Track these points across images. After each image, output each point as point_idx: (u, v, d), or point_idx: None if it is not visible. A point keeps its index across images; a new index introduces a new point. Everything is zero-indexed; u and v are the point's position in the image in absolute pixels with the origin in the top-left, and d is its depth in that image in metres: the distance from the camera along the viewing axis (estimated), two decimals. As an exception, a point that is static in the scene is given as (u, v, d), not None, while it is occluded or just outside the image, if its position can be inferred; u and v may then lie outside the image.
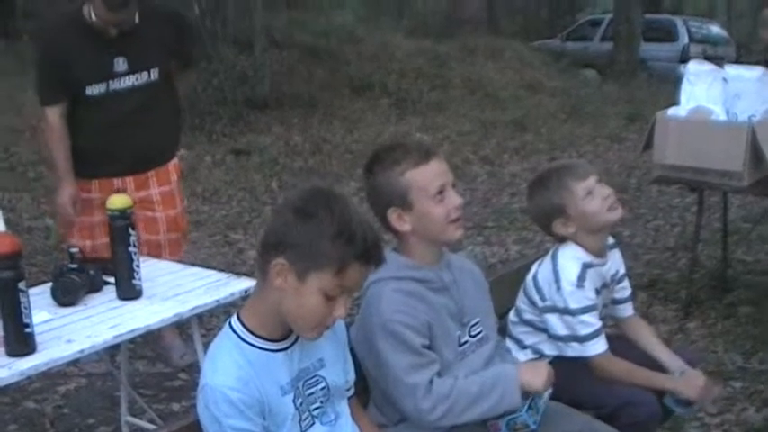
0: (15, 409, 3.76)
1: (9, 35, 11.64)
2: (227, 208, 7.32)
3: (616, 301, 2.81)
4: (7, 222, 2.34)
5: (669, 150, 4.30)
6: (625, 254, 2.89)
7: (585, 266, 2.58)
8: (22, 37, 11.64)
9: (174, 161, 4.04)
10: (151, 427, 3.34)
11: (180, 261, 3.65)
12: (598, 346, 2.56)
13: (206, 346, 2.13)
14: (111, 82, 3.68)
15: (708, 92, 4.25)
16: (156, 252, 3.77)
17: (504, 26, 22.84)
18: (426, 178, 2.16)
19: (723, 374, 3.94)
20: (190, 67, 4.21)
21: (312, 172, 8.55)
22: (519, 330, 2.72)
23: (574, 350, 2.57)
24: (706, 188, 4.47)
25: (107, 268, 2.79)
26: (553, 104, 12.67)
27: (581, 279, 2.55)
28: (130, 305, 2.70)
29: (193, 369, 3.85)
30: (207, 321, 4.42)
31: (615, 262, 2.76)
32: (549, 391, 2.28)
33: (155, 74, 3.77)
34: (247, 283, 2.85)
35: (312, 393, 1.92)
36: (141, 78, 3.74)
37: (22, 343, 2.31)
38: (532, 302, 2.65)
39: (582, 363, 2.57)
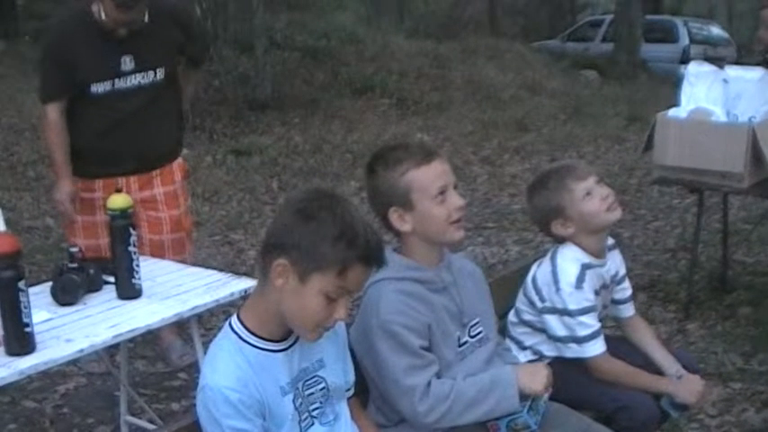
0: (15, 409, 3.76)
1: (10, 36, 11.65)
2: (227, 208, 7.32)
3: (616, 302, 2.81)
4: (7, 222, 2.33)
5: (669, 151, 4.30)
6: (625, 255, 2.90)
7: (584, 267, 2.58)
8: (24, 37, 11.66)
9: (179, 161, 4.04)
10: (151, 426, 3.34)
11: (184, 261, 3.66)
12: (597, 348, 2.56)
13: (206, 345, 2.13)
14: (116, 80, 3.68)
15: (708, 93, 4.25)
16: (159, 252, 3.76)
17: (505, 27, 22.86)
18: (428, 179, 2.15)
19: (723, 376, 3.94)
20: (197, 68, 4.21)
21: (312, 172, 8.55)
22: (518, 331, 2.72)
23: (572, 351, 2.57)
24: (706, 189, 4.47)
25: (107, 268, 2.79)
26: (554, 105, 12.67)
27: (580, 280, 2.55)
28: (130, 305, 2.69)
29: (193, 369, 3.85)
30: (206, 321, 4.42)
31: (615, 263, 2.76)
32: (549, 392, 2.28)
33: (161, 73, 3.77)
34: (247, 283, 2.85)
35: (312, 394, 1.92)
36: (147, 77, 3.74)
37: (22, 342, 2.31)
38: (532, 303, 2.65)
39: (581, 364, 2.57)
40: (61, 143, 3.77)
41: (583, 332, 2.54)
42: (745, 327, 4.49)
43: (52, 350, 2.36)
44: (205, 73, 9.46)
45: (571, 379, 2.46)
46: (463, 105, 12.02)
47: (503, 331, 2.72)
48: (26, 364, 2.27)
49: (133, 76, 3.70)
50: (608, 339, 2.62)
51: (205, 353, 1.98)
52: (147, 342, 4.28)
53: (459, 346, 2.26)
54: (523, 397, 2.20)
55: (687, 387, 2.60)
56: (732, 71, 4.34)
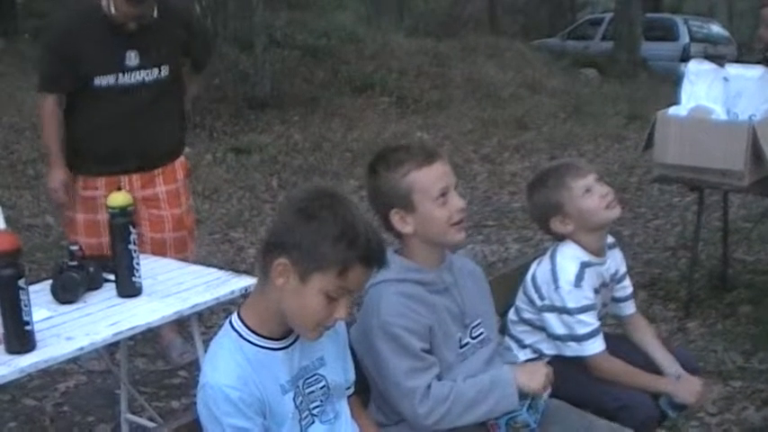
0: (15, 407, 3.76)
1: (9, 34, 11.64)
2: (227, 206, 7.32)
3: (617, 300, 2.81)
4: (7, 220, 2.33)
5: (670, 149, 4.30)
6: (625, 253, 2.90)
7: (584, 266, 2.58)
8: (23, 36, 11.65)
9: (181, 159, 4.04)
10: (151, 424, 3.34)
11: (186, 259, 3.65)
12: (596, 346, 2.56)
13: (206, 343, 2.13)
14: (120, 75, 3.68)
15: (708, 91, 4.25)
16: (161, 251, 3.77)
17: (505, 25, 22.87)
18: (429, 180, 2.15)
19: (723, 374, 3.94)
20: (200, 71, 4.21)
21: (312, 170, 8.55)
22: (518, 329, 2.72)
23: (572, 349, 2.57)
24: (706, 187, 4.47)
25: (107, 266, 2.79)
26: (554, 104, 12.67)
27: (579, 278, 2.55)
28: (130, 303, 2.69)
29: (193, 367, 3.85)
30: (207, 319, 4.42)
31: (615, 261, 2.76)
32: (548, 390, 2.28)
33: (165, 71, 3.77)
34: (247, 281, 2.85)
35: (312, 392, 1.92)
36: (151, 75, 3.74)
37: (22, 340, 2.31)
38: (531, 302, 2.65)
39: (580, 362, 2.57)
40: (56, 132, 3.78)
41: (582, 330, 2.54)
42: (746, 325, 4.49)
43: (52, 348, 2.36)
44: (205, 72, 9.47)
45: (571, 378, 2.46)
46: (463, 104, 12.02)
47: (503, 330, 2.72)
48: (26, 362, 2.27)
49: (137, 72, 3.70)
50: (608, 338, 2.62)
51: (205, 351, 1.98)
52: (147, 340, 4.28)
53: (461, 347, 2.26)
54: (523, 396, 2.20)
55: (686, 387, 2.60)
56: (732, 69, 4.34)
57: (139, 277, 2.75)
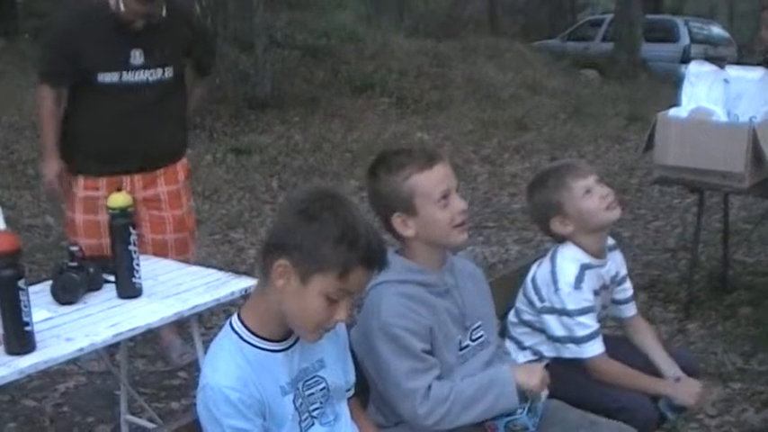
0: (14, 408, 3.75)
1: (10, 33, 11.64)
2: (227, 207, 7.32)
3: (617, 302, 2.81)
4: (7, 220, 2.33)
5: (670, 151, 4.30)
6: (625, 254, 2.89)
7: (584, 268, 2.58)
8: (23, 35, 11.65)
9: (183, 161, 4.05)
10: (150, 425, 3.34)
11: (187, 260, 3.65)
12: (595, 348, 2.56)
13: (206, 344, 2.13)
14: (124, 73, 3.68)
15: (709, 93, 4.25)
16: (162, 252, 3.76)
17: (505, 26, 22.86)
18: (431, 183, 2.15)
19: (723, 376, 3.94)
20: (203, 77, 4.21)
21: (312, 171, 8.55)
22: (518, 331, 2.72)
23: (571, 351, 2.57)
24: (707, 189, 4.47)
25: (107, 266, 2.78)
26: (554, 104, 12.67)
27: (579, 280, 2.55)
28: (130, 304, 2.69)
29: (193, 368, 3.84)
30: (207, 320, 4.42)
31: (616, 263, 2.76)
32: (546, 393, 2.29)
33: (169, 72, 3.77)
34: (247, 283, 2.84)
35: (312, 394, 1.92)
36: (155, 74, 3.74)
37: (22, 341, 2.31)
38: (531, 303, 2.65)
39: (579, 364, 2.57)
40: (52, 124, 3.79)
41: (581, 332, 2.54)
42: (746, 327, 4.49)
43: (52, 349, 2.35)
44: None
45: (570, 379, 2.46)
46: (463, 104, 12.02)
47: (502, 332, 2.72)
48: (26, 363, 2.27)
49: (141, 72, 3.70)
50: (607, 339, 2.62)
51: (205, 352, 1.98)
52: (147, 341, 4.28)
53: (461, 349, 2.26)
54: (522, 397, 2.20)
55: (685, 389, 2.60)
56: (733, 71, 4.34)
57: (139, 278, 2.75)
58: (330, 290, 1.77)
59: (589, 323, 2.54)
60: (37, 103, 3.84)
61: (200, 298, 2.76)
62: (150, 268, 2.96)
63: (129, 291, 2.73)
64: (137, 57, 3.68)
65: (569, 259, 2.59)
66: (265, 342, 1.85)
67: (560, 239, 2.65)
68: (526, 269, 2.76)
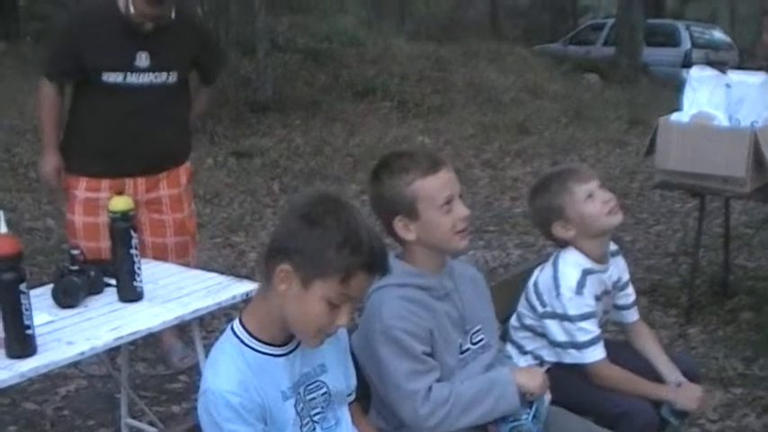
0: (15, 411, 3.75)
1: (11, 36, 11.66)
2: (228, 210, 7.32)
3: (619, 307, 2.81)
4: (8, 223, 2.33)
5: (671, 155, 4.30)
6: (626, 259, 2.89)
7: (585, 273, 2.58)
8: (25, 38, 11.67)
9: (186, 164, 4.05)
10: (151, 429, 3.34)
11: (187, 264, 3.65)
12: (596, 354, 2.56)
13: (206, 348, 2.12)
14: (129, 74, 3.68)
15: (710, 97, 4.25)
16: (162, 255, 3.76)
17: (507, 30, 22.90)
18: (434, 188, 2.15)
19: (724, 381, 3.93)
20: (209, 84, 4.22)
21: (313, 175, 8.55)
22: (520, 335, 2.72)
23: (572, 357, 2.57)
24: (708, 194, 4.47)
25: (108, 270, 2.78)
26: (555, 108, 12.67)
27: (580, 286, 2.55)
28: (131, 307, 2.69)
29: (194, 371, 3.84)
30: (207, 324, 4.41)
31: (618, 269, 2.76)
32: (549, 398, 2.28)
33: (173, 76, 3.78)
34: (248, 287, 2.84)
35: (313, 399, 1.92)
36: (159, 78, 3.74)
37: (23, 344, 2.30)
38: (533, 308, 2.65)
39: (580, 369, 2.57)
40: (52, 118, 3.81)
41: (582, 338, 2.54)
42: (747, 332, 4.49)
43: (53, 352, 2.35)
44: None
45: (571, 385, 2.46)
46: (464, 108, 12.03)
47: (503, 336, 2.72)
48: (27, 366, 2.27)
49: (145, 74, 3.71)
50: (608, 344, 2.62)
51: (206, 356, 1.97)
52: (147, 344, 4.28)
53: (461, 352, 2.26)
54: (523, 400, 2.20)
55: (686, 394, 2.59)
56: (735, 76, 4.34)
57: (141, 282, 2.74)
58: (332, 295, 1.77)
59: (590, 328, 2.54)
60: (39, 98, 3.85)
61: (201, 302, 2.76)
62: (151, 272, 2.96)
63: (131, 294, 2.72)
64: (142, 59, 3.68)
65: (571, 264, 2.59)
66: (267, 346, 1.85)
67: (562, 244, 2.65)
68: (527, 274, 2.76)
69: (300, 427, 1.88)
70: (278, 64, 11.48)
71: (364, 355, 2.17)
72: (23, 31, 12.04)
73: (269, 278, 1.80)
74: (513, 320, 2.75)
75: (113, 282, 2.75)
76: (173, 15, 3.69)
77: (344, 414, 2.01)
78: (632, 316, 2.83)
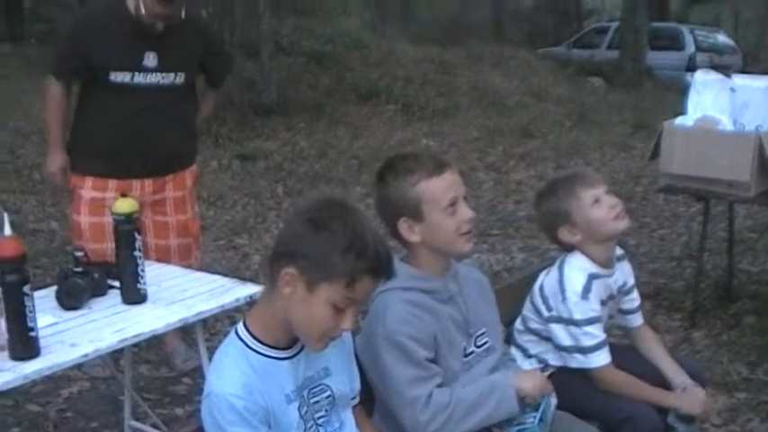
0: (18, 412, 3.75)
1: (16, 38, 11.68)
2: (232, 213, 7.32)
3: (624, 312, 2.81)
4: (12, 224, 2.32)
5: (676, 159, 4.29)
6: (630, 263, 2.88)
7: (591, 277, 2.57)
8: (30, 40, 11.69)
9: (192, 167, 4.06)
10: (154, 431, 3.33)
11: (190, 266, 3.65)
12: (601, 358, 2.55)
13: (210, 350, 2.12)
14: (136, 74, 3.69)
15: (715, 101, 4.25)
16: (165, 257, 3.77)
17: (511, 33, 22.90)
18: (439, 190, 2.14)
19: (728, 385, 3.92)
20: (215, 88, 4.23)
21: (318, 177, 8.56)
22: (524, 339, 2.71)
23: (577, 361, 2.56)
24: (712, 198, 4.46)
25: (112, 272, 2.78)
26: (559, 112, 12.66)
27: (586, 290, 2.55)
28: (135, 309, 2.68)
29: (197, 374, 3.84)
30: (211, 326, 4.41)
31: (623, 273, 2.75)
32: (555, 402, 2.28)
33: (180, 78, 3.78)
34: (252, 289, 2.84)
35: (317, 402, 1.91)
36: (167, 78, 3.75)
37: (27, 346, 2.30)
38: (538, 312, 2.64)
39: (585, 374, 2.56)
40: (58, 116, 3.82)
41: (588, 342, 2.53)
42: (751, 336, 4.48)
43: (57, 354, 2.35)
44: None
45: (576, 389, 2.46)
46: (468, 111, 12.03)
47: (508, 339, 2.71)
48: (31, 368, 2.27)
49: (153, 74, 3.71)
50: (613, 348, 2.61)
51: (209, 358, 1.97)
52: (151, 346, 4.27)
53: (465, 356, 2.25)
54: (529, 405, 2.20)
55: (690, 399, 2.59)
56: (739, 80, 4.35)
57: (144, 284, 2.74)
58: (337, 298, 1.76)
59: (596, 333, 2.54)
60: (45, 97, 3.86)
61: (204, 304, 2.75)
62: (155, 274, 2.96)
63: (134, 297, 2.72)
64: (150, 59, 3.69)
65: (577, 269, 2.59)
66: (271, 350, 1.85)
67: (568, 248, 2.65)
68: (532, 277, 2.76)
69: (304, 431, 1.88)
70: (282, 67, 11.50)
71: (367, 358, 2.16)
72: (28, 33, 12.06)
73: (274, 281, 1.80)
74: (518, 324, 2.74)
75: (117, 284, 2.75)
76: (182, 15, 3.69)
77: (348, 417, 2.00)
78: (637, 320, 2.83)
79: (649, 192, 7.85)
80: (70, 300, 2.65)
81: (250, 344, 1.84)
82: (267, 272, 1.84)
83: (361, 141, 9.95)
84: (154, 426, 3.38)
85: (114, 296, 2.74)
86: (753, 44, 21.73)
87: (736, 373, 4.05)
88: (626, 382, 2.57)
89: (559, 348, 2.59)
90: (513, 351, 2.70)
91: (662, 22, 20.16)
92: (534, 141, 10.79)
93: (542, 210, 2.70)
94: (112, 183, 3.76)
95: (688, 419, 2.60)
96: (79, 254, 2.80)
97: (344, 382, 1.99)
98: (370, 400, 2.21)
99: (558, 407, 2.33)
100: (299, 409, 1.87)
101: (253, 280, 3.35)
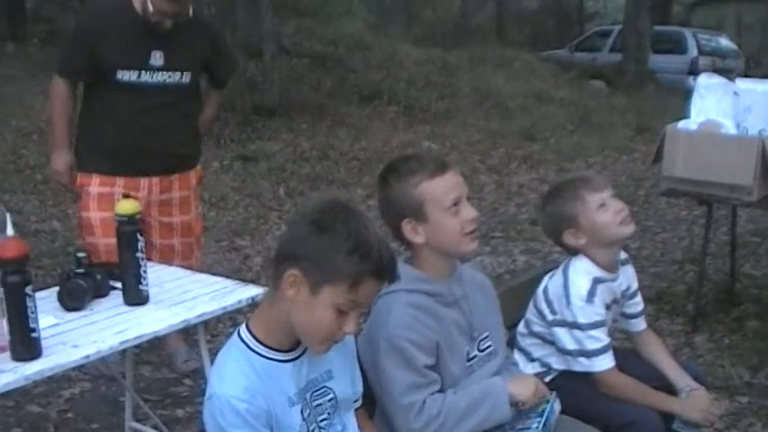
0: (19, 413, 3.75)
1: (18, 38, 11.69)
2: (233, 214, 7.32)
3: (628, 316, 2.80)
4: (14, 225, 2.32)
5: (679, 163, 4.28)
6: (633, 266, 2.88)
7: (596, 281, 2.57)
8: (32, 40, 11.70)
9: (197, 167, 4.06)
10: (155, 433, 3.33)
11: (190, 265, 3.64)
12: (605, 362, 2.55)
13: (211, 351, 2.12)
14: (143, 72, 3.69)
15: (718, 105, 4.24)
16: (169, 256, 3.79)
17: (513, 36, 22.91)
18: (442, 190, 2.14)
19: (730, 389, 3.92)
20: (220, 89, 4.22)
21: (319, 179, 8.56)
22: (528, 342, 2.71)
23: (581, 365, 2.56)
24: (715, 201, 4.45)
25: (114, 273, 2.78)
26: (561, 115, 12.67)
27: (591, 294, 2.54)
28: (137, 311, 2.68)
29: (198, 375, 3.84)
30: (212, 327, 4.41)
31: (627, 277, 2.75)
32: (560, 408, 2.27)
33: (186, 77, 3.79)
34: (254, 291, 2.83)
35: (320, 405, 1.91)
36: (173, 77, 3.75)
37: (28, 347, 2.29)
38: (542, 315, 2.64)
39: (588, 378, 2.56)
40: (64, 114, 3.81)
41: (592, 346, 2.53)
42: (753, 340, 4.47)
43: (58, 356, 2.34)
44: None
45: (578, 393, 2.45)
46: (470, 114, 12.03)
47: (510, 342, 2.71)
48: (32, 369, 2.26)
49: (160, 73, 3.71)
50: (616, 352, 2.61)
51: (211, 360, 1.96)
52: (152, 348, 4.27)
53: (468, 360, 2.25)
54: (531, 410, 2.19)
55: (694, 404, 2.58)
56: (742, 84, 4.34)
57: (146, 285, 2.74)
58: (340, 301, 1.76)
59: (600, 337, 2.53)
60: (51, 95, 3.86)
61: (206, 306, 2.75)
62: (157, 275, 2.95)
63: (136, 298, 2.72)
64: (157, 58, 3.69)
65: (581, 272, 2.58)
66: (273, 352, 1.84)
67: (573, 252, 2.64)
68: (535, 280, 2.75)
69: (306, 433, 1.88)
70: (284, 68, 11.50)
71: (368, 359, 2.16)
72: (30, 34, 12.07)
73: (277, 283, 1.80)
74: (521, 327, 2.74)
75: (119, 285, 2.75)
76: (190, 13, 3.69)
77: (351, 420, 2.00)
78: (640, 325, 2.82)
79: (651, 195, 7.85)
80: (72, 301, 2.65)
81: (253, 346, 1.84)
82: (270, 274, 1.84)
83: (363, 143, 9.95)
84: (155, 427, 3.38)
85: (116, 297, 2.74)
86: (755, 48, 21.71)
87: (738, 378, 4.05)
88: (629, 385, 2.56)
89: (563, 352, 2.59)
90: (516, 355, 2.69)
91: (664, 26, 20.13)
92: (536, 144, 10.79)
93: (547, 213, 2.70)
94: (120, 180, 3.75)
95: (693, 424, 2.59)
96: (81, 255, 2.79)
97: (347, 384, 1.99)
98: (372, 402, 2.20)
99: (561, 411, 2.32)
100: (301, 411, 1.86)
101: (254, 281, 3.35)
